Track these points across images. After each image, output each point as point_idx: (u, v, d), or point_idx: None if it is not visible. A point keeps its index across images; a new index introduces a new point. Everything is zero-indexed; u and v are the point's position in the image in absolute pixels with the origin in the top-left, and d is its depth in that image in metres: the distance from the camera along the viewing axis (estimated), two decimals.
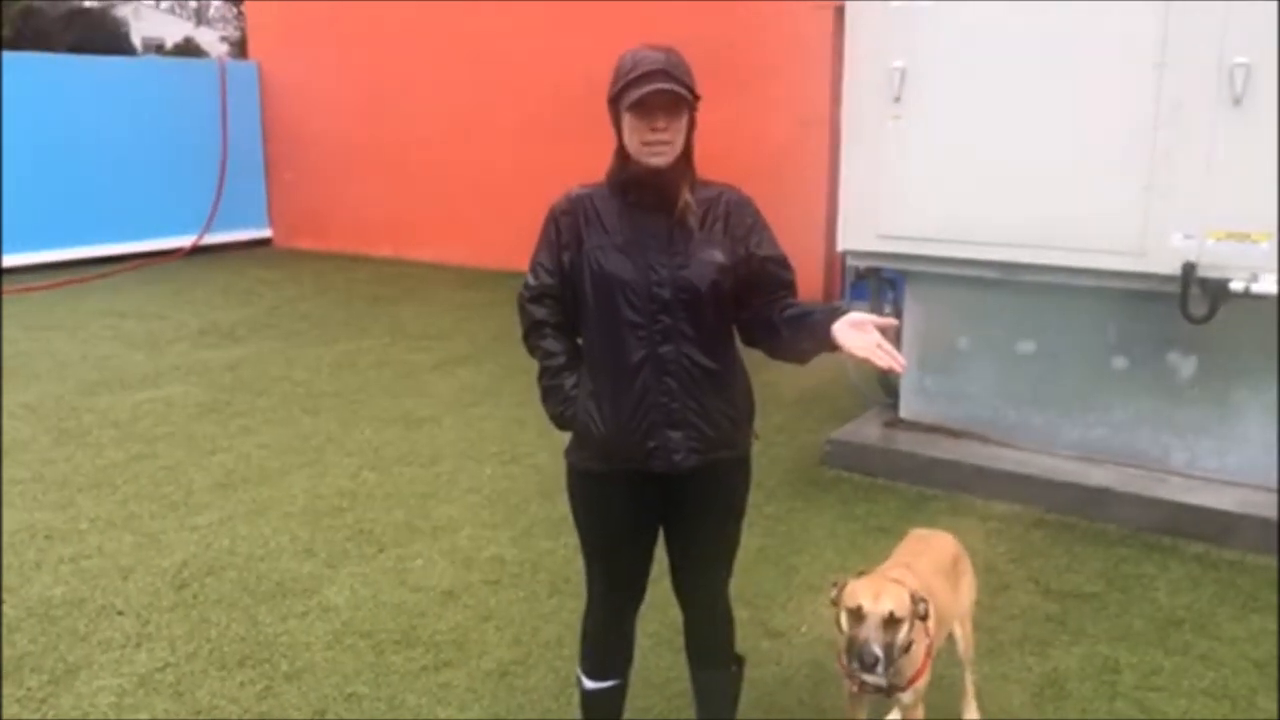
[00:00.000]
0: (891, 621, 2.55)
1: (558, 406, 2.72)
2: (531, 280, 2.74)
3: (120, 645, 3.82)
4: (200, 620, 4.01)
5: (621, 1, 10.05)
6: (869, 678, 2.58)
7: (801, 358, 2.60)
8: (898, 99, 5.16)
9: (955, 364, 5.64)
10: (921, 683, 2.75)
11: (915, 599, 2.61)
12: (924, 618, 2.65)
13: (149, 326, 9.16)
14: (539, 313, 2.74)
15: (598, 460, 2.68)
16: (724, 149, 7.49)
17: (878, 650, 2.51)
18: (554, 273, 2.70)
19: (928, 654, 2.76)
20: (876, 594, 2.57)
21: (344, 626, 3.98)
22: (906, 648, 2.61)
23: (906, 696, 2.74)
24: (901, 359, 2.35)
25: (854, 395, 6.35)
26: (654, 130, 2.49)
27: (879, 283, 5.88)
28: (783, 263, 2.68)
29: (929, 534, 3.33)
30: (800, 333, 2.53)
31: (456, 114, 12.31)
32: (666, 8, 9.79)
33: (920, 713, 2.81)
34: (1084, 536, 4.73)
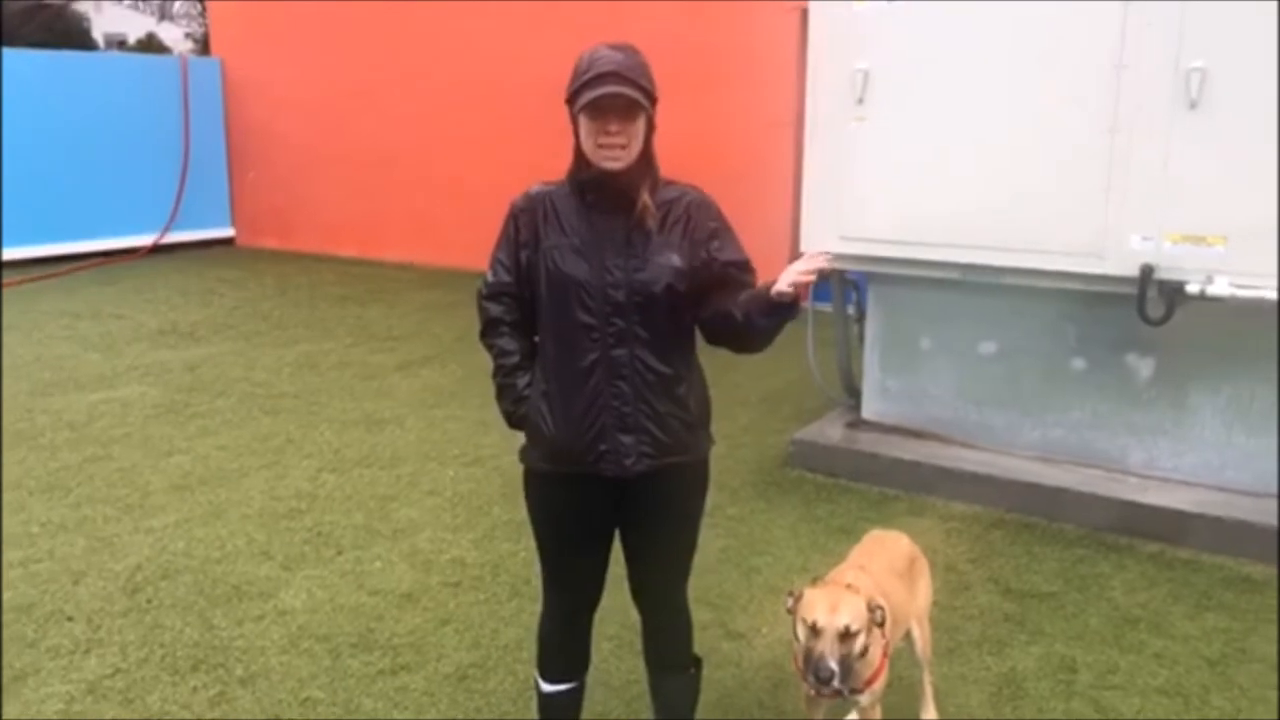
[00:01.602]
0: (847, 635, 2.54)
1: (510, 405, 2.70)
2: (490, 277, 2.72)
3: (69, 651, 3.75)
4: (153, 625, 3.95)
5: (590, 2, 10.03)
6: (825, 690, 2.58)
7: (761, 335, 2.55)
8: (860, 101, 5.18)
9: (917, 365, 5.67)
10: (879, 684, 2.75)
11: (871, 607, 2.61)
12: (880, 625, 2.64)
13: (106, 327, 9.03)
14: (495, 310, 2.72)
15: (549, 461, 2.66)
16: (693, 150, 7.51)
17: (833, 665, 2.51)
18: (512, 270, 2.68)
19: (884, 655, 2.76)
20: (832, 607, 2.56)
21: (300, 630, 3.93)
22: (863, 653, 2.60)
23: (864, 698, 2.74)
24: (822, 258, 2.38)
25: (818, 396, 6.36)
26: (607, 134, 2.46)
27: (842, 284, 5.90)
28: (744, 266, 2.65)
29: (885, 535, 3.34)
30: (751, 306, 2.50)
31: (422, 113, 12.23)
32: (634, 8, 9.78)
33: (878, 713, 2.81)
34: (1043, 536, 4.77)
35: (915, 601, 3.17)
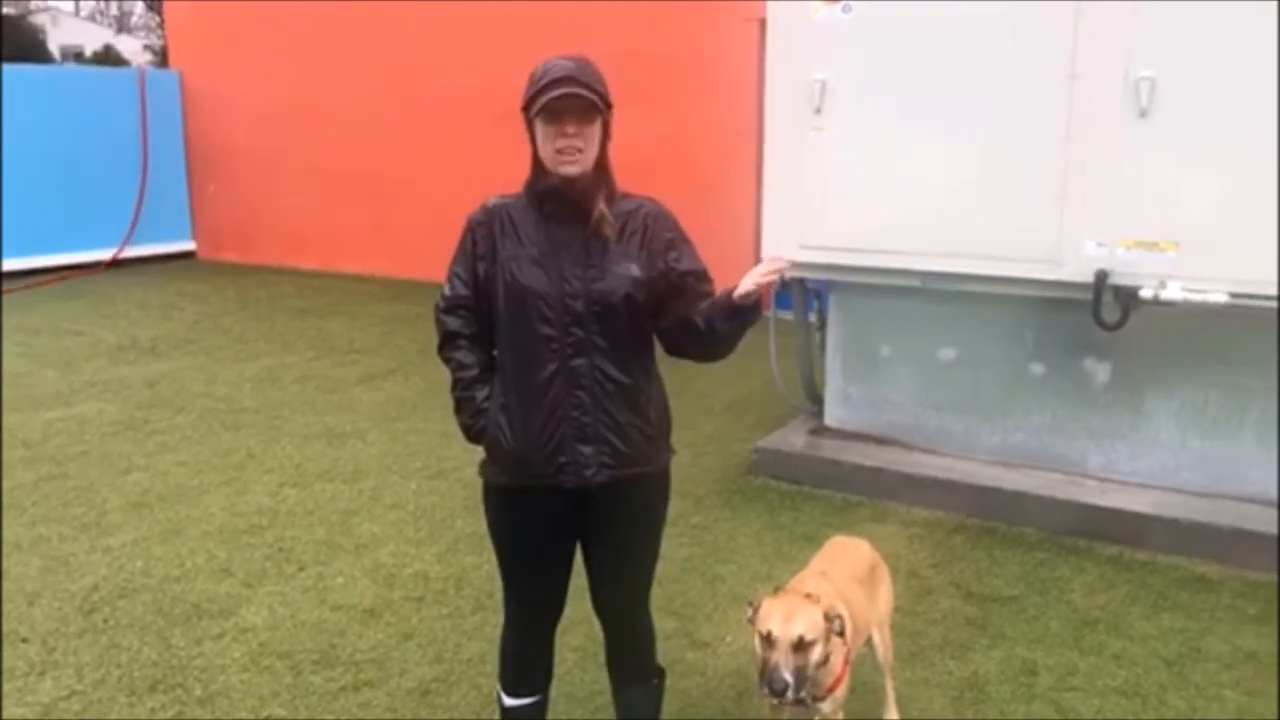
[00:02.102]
0: (801, 645, 2.54)
1: (469, 419, 2.70)
2: (447, 291, 2.72)
3: (24, 674, 3.69)
4: (110, 645, 3.89)
5: (551, 15, 10.05)
6: (782, 700, 2.58)
7: (723, 340, 2.58)
8: (818, 110, 5.22)
9: (878, 372, 5.71)
10: (840, 691, 2.76)
11: (829, 617, 2.61)
12: (840, 634, 2.65)
13: (63, 343, 8.89)
14: (453, 324, 2.71)
15: (508, 474, 2.66)
16: (656, 160, 7.54)
17: (787, 676, 2.51)
18: (469, 283, 2.68)
19: (846, 662, 2.77)
20: (787, 617, 2.57)
21: (261, 647, 3.88)
22: (823, 662, 2.61)
23: (826, 706, 2.74)
24: (783, 261, 2.43)
25: (781, 403, 6.39)
26: (564, 136, 2.48)
27: (804, 292, 5.93)
28: (702, 276, 2.67)
29: (846, 541, 3.36)
30: (713, 312, 2.53)
31: (384, 124, 12.17)
32: (596, 20, 9.81)
33: (841, 716, 2.82)
34: (1003, 540, 4.81)
35: (876, 607, 3.19)
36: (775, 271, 2.42)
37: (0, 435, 6.28)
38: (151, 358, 8.41)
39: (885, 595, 3.27)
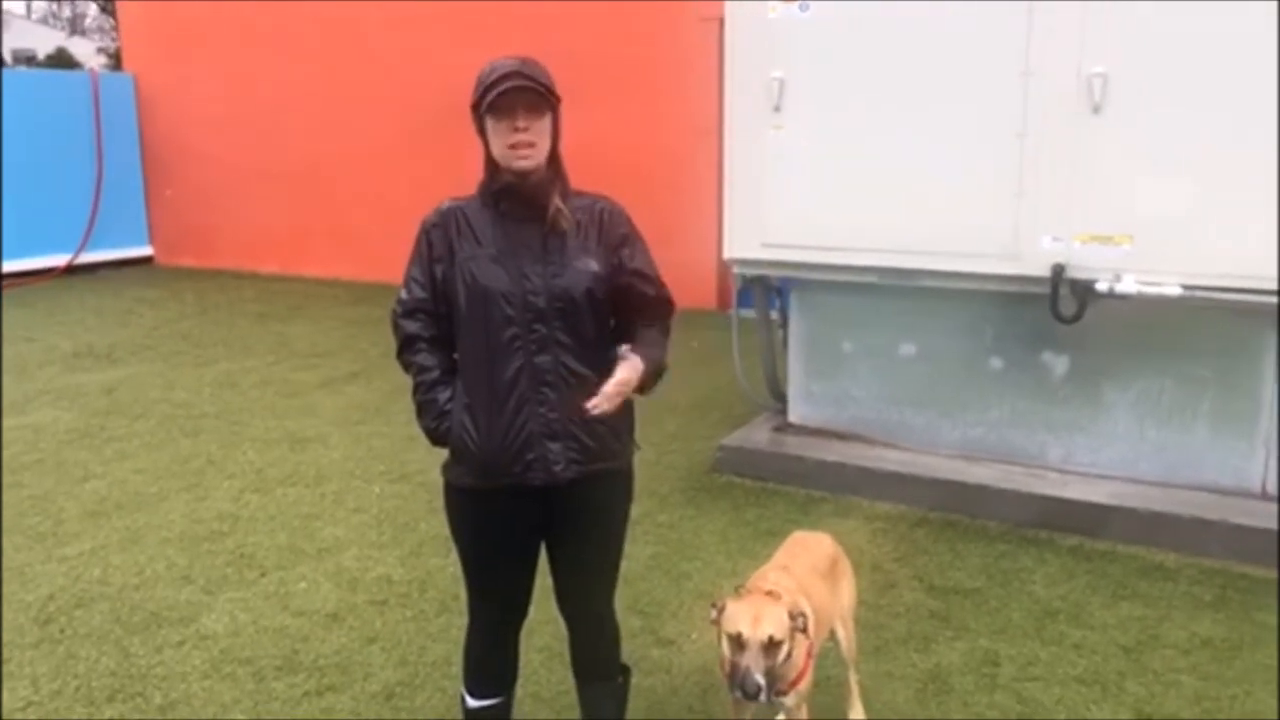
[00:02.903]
0: (771, 645, 2.55)
1: (432, 422, 2.68)
2: (404, 295, 2.70)
3: None
4: (67, 655, 3.83)
5: (509, 15, 10.02)
6: (754, 701, 2.58)
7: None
8: (777, 109, 5.25)
9: (839, 368, 5.74)
10: (804, 685, 2.78)
11: (794, 615, 2.62)
12: (804, 630, 2.66)
13: (16, 350, 8.74)
14: (412, 327, 2.70)
15: (474, 476, 2.65)
16: (618, 159, 7.55)
17: (759, 679, 2.51)
18: (426, 286, 2.66)
19: (809, 656, 2.79)
20: (755, 619, 2.57)
21: (222, 655, 3.84)
22: (788, 657, 2.62)
23: (789, 700, 2.76)
24: (600, 404, 2.52)
25: (745, 401, 6.41)
26: (516, 130, 2.48)
27: (765, 290, 5.96)
28: (645, 277, 2.67)
29: (808, 536, 3.37)
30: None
31: (342, 126, 12.08)
32: (554, 19, 9.80)
33: (804, 713, 2.83)
34: (965, 533, 4.86)
35: (839, 601, 3.20)
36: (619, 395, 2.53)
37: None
38: (108, 364, 8.29)
39: (848, 589, 3.29)
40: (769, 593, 2.69)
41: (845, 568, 3.30)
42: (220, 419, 6.77)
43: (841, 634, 3.21)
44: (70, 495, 5.42)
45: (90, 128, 13.07)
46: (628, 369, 2.55)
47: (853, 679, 3.34)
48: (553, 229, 2.58)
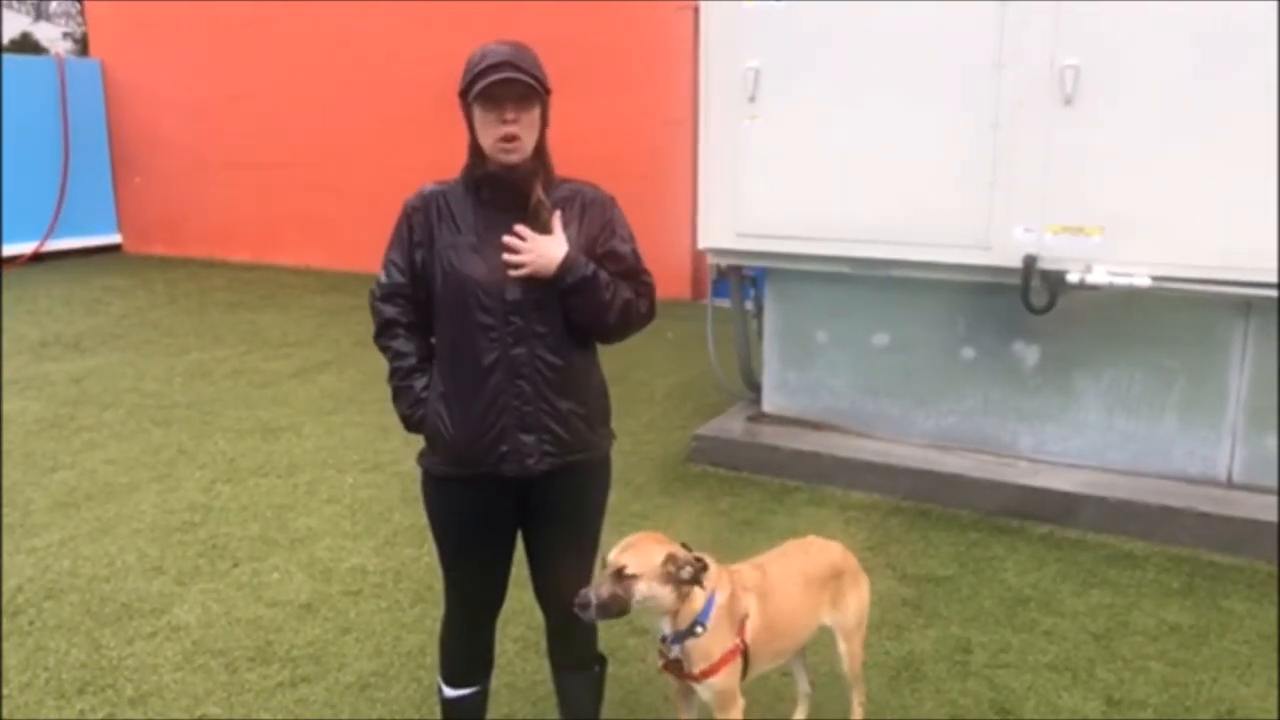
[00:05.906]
0: (621, 575, 2.49)
1: (407, 408, 2.67)
2: (383, 278, 2.68)
3: None
4: (36, 648, 3.79)
5: (481, 2, 9.95)
6: (582, 615, 2.51)
7: (574, 314, 2.58)
8: (752, 99, 5.25)
9: (814, 358, 5.76)
10: (720, 680, 2.63)
11: (675, 561, 2.51)
12: (690, 581, 2.53)
13: None
14: (390, 312, 2.68)
15: (448, 464, 2.64)
16: (593, 149, 7.52)
17: (591, 595, 2.48)
18: (405, 271, 2.64)
19: (735, 651, 2.65)
20: (623, 548, 2.54)
21: (195, 646, 3.81)
22: (653, 605, 2.54)
23: (703, 691, 2.66)
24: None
25: (720, 391, 6.43)
26: (504, 123, 2.45)
27: (740, 280, 5.97)
28: (619, 258, 2.63)
29: (816, 542, 3.13)
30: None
31: (314, 113, 11.98)
32: (529, 7, 9.75)
33: (732, 713, 2.68)
34: (938, 522, 4.90)
35: (839, 615, 3.01)
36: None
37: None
38: (76, 354, 8.19)
39: (855, 604, 3.05)
40: (659, 540, 2.59)
41: (854, 582, 3.07)
42: (191, 409, 6.71)
43: (843, 648, 3.04)
44: (38, 486, 5.35)
45: (56, 114, 12.90)
46: (554, 240, 2.52)
47: (856, 701, 3.15)
48: (534, 220, 2.56)
